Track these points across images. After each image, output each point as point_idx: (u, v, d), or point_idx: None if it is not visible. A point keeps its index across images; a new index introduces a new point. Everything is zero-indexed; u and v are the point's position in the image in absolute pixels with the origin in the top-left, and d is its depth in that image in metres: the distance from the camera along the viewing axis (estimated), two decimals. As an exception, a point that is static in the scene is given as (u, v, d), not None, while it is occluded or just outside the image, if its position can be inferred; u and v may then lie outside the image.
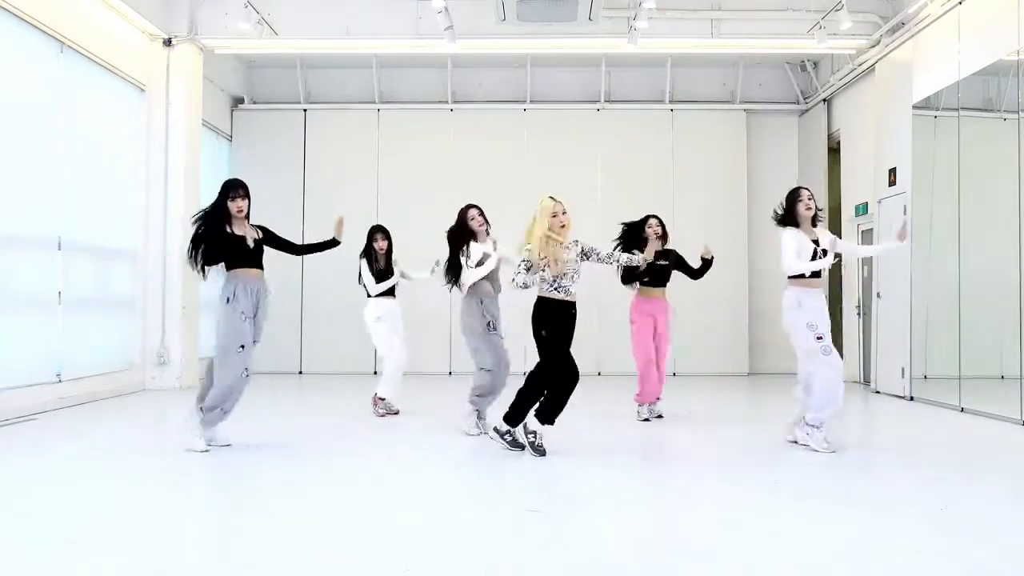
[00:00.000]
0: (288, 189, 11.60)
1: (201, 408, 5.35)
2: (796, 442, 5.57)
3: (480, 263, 6.10)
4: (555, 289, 5.16)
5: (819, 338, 5.40)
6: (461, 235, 6.14)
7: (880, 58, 9.45)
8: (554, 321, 5.16)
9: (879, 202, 9.44)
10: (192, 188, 9.49)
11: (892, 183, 9.12)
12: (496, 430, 5.43)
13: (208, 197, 10.32)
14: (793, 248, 5.41)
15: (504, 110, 11.68)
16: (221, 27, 9.51)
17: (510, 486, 4.65)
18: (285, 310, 11.33)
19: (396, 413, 7.21)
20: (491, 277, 6.30)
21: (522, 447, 5.30)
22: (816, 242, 5.45)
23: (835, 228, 10.99)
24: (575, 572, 3.04)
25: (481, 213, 6.22)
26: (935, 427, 6.79)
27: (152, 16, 9.00)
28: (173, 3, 9.35)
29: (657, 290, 7.03)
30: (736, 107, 11.72)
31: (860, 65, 9.98)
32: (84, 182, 8.04)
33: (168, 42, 9.36)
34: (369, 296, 7.18)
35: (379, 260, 7.16)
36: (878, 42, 9.44)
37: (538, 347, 5.22)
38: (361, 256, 7.19)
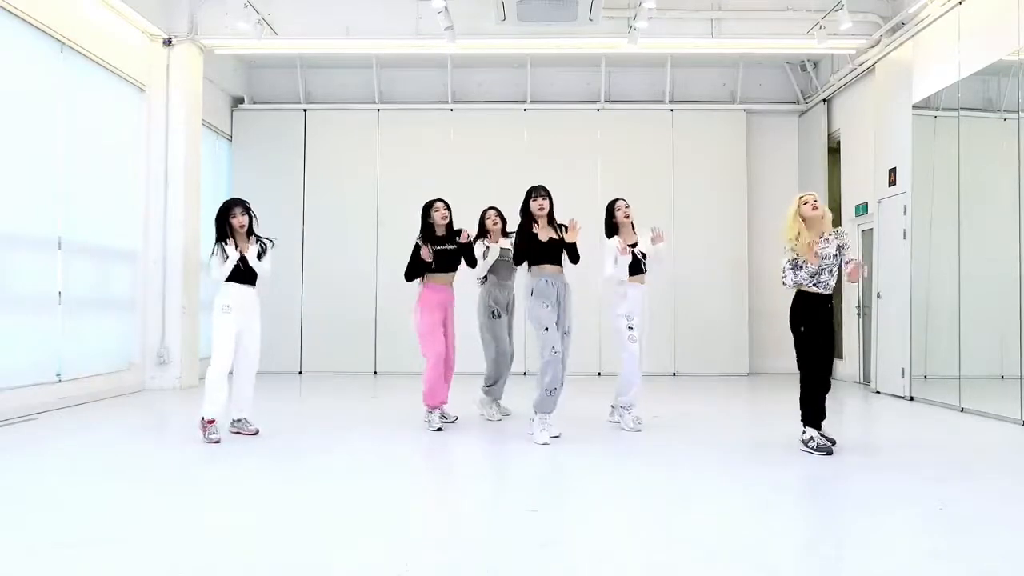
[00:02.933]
0: (288, 189, 11.61)
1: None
2: (617, 422, 6.47)
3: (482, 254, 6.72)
4: (814, 284, 5.37)
5: (630, 327, 6.26)
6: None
7: (880, 58, 9.45)
8: (813, 317, 5.36)
9: (879, 202, 9.44)
10: (192, 188, 9.49)
11: (892, 183, 9.12)
12: (803, 442, 5.48)
13: (208, 197, 10.40)
14: (611, 257, 6.21)
15: (504, 110, 11.68)
16: (221, 27, 9.50)
17: (510, 486, 4.65)
18: (285, 310, 11.34)
19: (253, 432, 5.93)
20: (497, 264, 6.80)
21: (829, 450, 5.37)
22: (634, 246, 6.33)
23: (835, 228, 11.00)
24: (575, 572, 3.04)
25: (497, 213, 6.88)
26: (935, 427, 6.79)
27: (152, 16, 9.00)
28: (173, 3, 9.35)
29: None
30: (736, 107, 11.72)
31: (860, 65, 9.97)
32: (84, 182, 8.04)
33: (168, 42, 9.36)
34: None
35: (235, 239, 5.84)
36: (878, 42, 9.44)
37: (796, 344, 5.45)
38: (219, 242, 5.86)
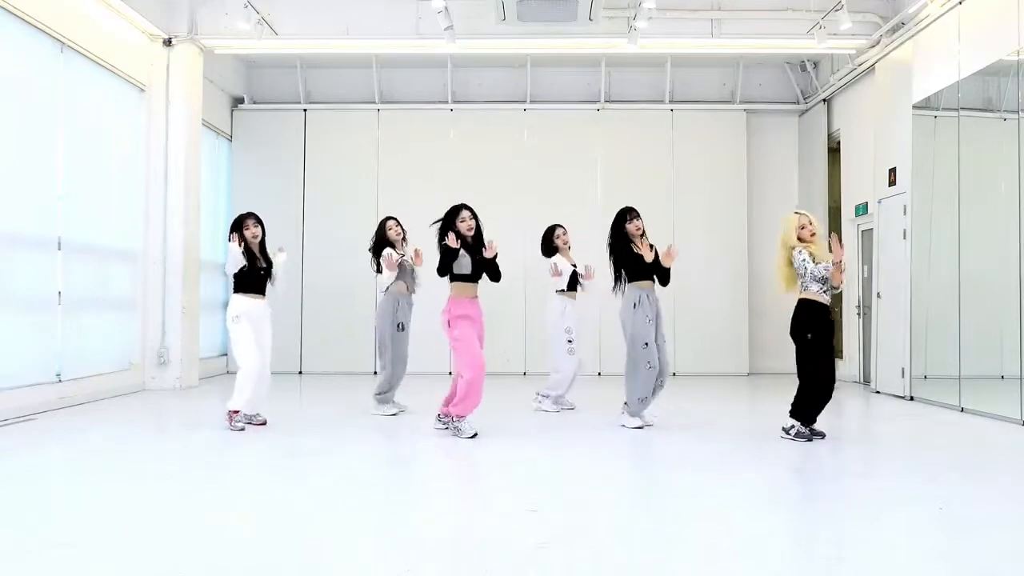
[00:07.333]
0: (288, 189, 11.61)
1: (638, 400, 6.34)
2: (542, 409, 7.43)
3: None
4: (823, 292, 5.69)
5: (569, 341, 7.29)
6: (381, 243, 7.13)
7: (880, 58, 9.45)
8: (819, 324, 5.68)
9: (879, 202, 9.44)
10: (192, 188, 9.49)
11: (892, 183, 9.12)
12: (784, 430, 5.89)
13: (208, 197, 10.40)
14: (562, 268, 7.30)
15: (504, 110, 11.68)
16: (221, 27, 9.51)
17: (509, 486, 4.65)
18: (285, 310, 11.33)
19: (262, 423, 6.38)
20: (407, 279, 7.14)
21: (809, 438, 5.78)
22: (575, 265, 7.43)
23: (835, 228, 11.01)
24: (575, 572, 3.04)
25: (398, 223, 7.20)
26: (935, 427, 6.79)
27: (152, 16, 9.00)
28: (173, 3, 9.35)
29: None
30: (736, 107, 11.72)
31: (860, 65, 9.97)
32: (84, 182, 8.04)
33: (168, 42, 9.36)
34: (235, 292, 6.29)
35: (251, 250, 6.32)
36: (878, 42, 9.44)
37: (801, 347, 5.74)
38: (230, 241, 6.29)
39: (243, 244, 6.27)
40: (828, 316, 5.74)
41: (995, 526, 3.67)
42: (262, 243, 6.46)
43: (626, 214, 6.44)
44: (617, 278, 6.47)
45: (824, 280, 5.66)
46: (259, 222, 6.44)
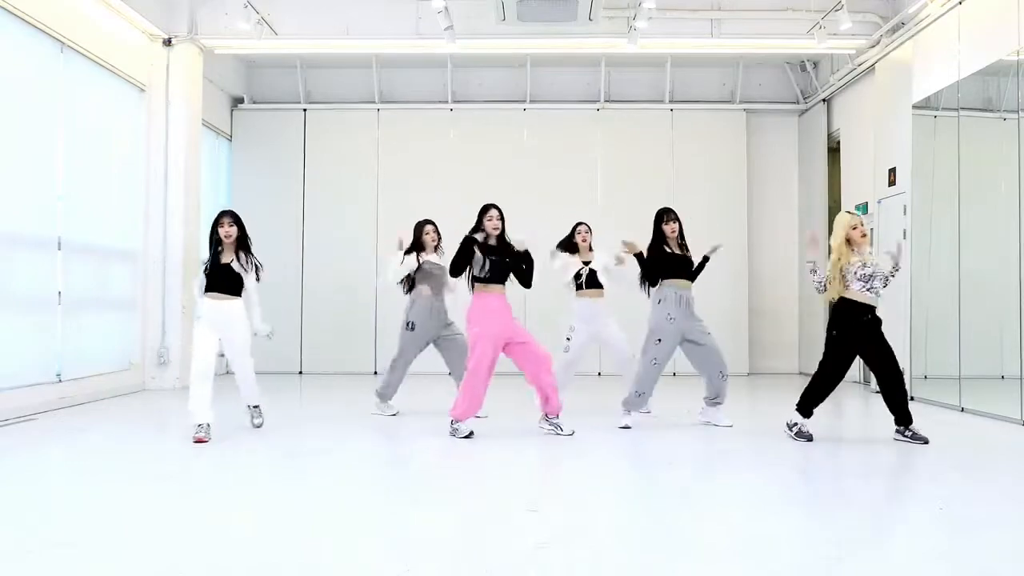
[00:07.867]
0: (288, 189, 11.60)
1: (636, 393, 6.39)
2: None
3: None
4: (867, 289, 5.67)
5: (567, 339, 7.05)
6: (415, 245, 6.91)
7: (880, 58, 9.45)
8: (848, 323, 5.69)
9: (879, 202, 9.44)
10: (192, 188, 9.49)
11: (892, 183, 9.12)
12: (788, 425, 5.92)
13: (208, 197, 10.40)
14: (560, 265, 7.08)
15: (504, 110, 11.68)
16: (221, 27, 9.51)
17: (509, 486, 4.65)
18: (285, 310, 11.33)
19: (259, 425, 6.31)
20: (427, 280, 6.94)
21: (809, 438, 5.79)
22: (587, 263, 7.03)
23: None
24: (575, 572, 3.04)
25: (435, 229, 6.99)
26: (935, 427, 6.79)
27: (152, 16, 9.00)
28: (173, 3, 9.35)
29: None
30: (736, 107, 11.72)
31: (860, 65, 9.97)
32: (84, 182, 8.04)
33: (168, 42, 9.36)
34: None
35: (223, 249, 5.92)
36: (878, 42, 9.44)
37: (826, 344, 5.81)
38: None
39: (217, 246, 5.89)
40: (862, 317, 5.68)
41: (995, 526, 3.67)
42: (240, 241, 5.94)
43: (663, 215, 6.56)
44: (645, 277, 6.49)
45: (866, 279, 5.64)
46: (236, 221, 5.93)
